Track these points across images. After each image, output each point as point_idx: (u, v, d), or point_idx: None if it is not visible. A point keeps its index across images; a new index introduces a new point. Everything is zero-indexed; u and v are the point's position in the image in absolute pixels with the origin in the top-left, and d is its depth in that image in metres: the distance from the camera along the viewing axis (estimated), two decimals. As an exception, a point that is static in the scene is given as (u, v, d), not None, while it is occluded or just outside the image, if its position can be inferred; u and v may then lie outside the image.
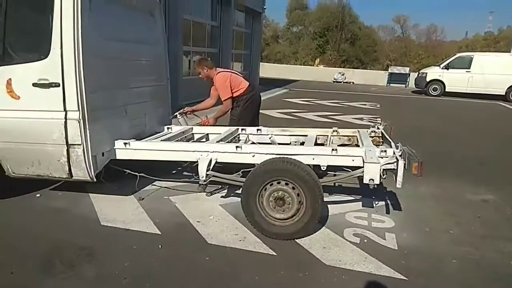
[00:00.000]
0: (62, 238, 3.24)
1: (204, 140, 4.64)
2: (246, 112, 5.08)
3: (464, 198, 4.59)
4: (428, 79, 18.43)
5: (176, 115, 5.09)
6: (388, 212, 4.05)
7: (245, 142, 4.50)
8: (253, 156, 3.60)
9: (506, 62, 17.53)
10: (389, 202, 4.27)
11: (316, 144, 4.32)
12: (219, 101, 5.18)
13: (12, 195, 3.96)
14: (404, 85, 23.26)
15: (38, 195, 4.10)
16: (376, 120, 8.51)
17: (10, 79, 3.45)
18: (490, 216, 4.11)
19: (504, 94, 17.30)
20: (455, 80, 17.84)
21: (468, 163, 6.25)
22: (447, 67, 18.17)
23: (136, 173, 4.03)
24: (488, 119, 12.40)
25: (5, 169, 3.70)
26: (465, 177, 5.38)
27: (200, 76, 5.15)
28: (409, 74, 23.47)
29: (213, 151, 3.67)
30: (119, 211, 3.79)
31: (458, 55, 18.98)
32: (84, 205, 3.91)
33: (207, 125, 5.09)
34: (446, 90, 18.03)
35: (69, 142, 3.47)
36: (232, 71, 5.36)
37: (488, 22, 59.09)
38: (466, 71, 17.63)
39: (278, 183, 3.28)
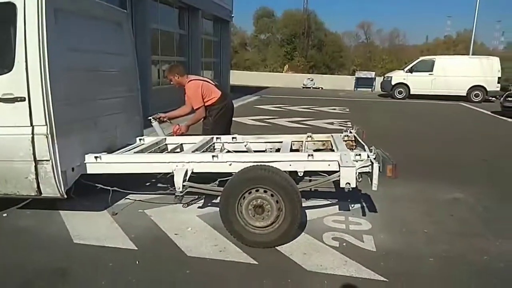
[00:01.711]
0: (34, 259, 3.08)
1: (178, 150, 4.56)
2: (218, 122, 5.04)
3: (436, 198, 4.73)
4: (393, 83, 19.03)
5: (150, 119, 4.97)
6: (364, 214, 4.11)
7: (220, 151, 4.46)
8: (230, 164, 3.57)
9: (466, 64, 18.39)
10: (364, 205, 4.33)
11: (291, 150, 4.33)
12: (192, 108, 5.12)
13: (-24, 216, 3.75)
14: (370, 89, 23.90)
15: (4, 214, 3.88)
16: (347, 124, 8.66)
17: (-28, 94, 3.28)
18: (463, 214, 4.24)
19: (465, 95, 18.10)
20: (419, 82, 18.52)
21: (437, 163, 6.45)
22: (411, 71, 18.84)
23: (108, 187, 3.90)
24: (452, 119, 12.90)
25: (-32, 189, 3.49)
26: (435, 177, 5.55)
27: (172, 83, 5.07)
28: (375, 78, 24.16)
29: (189, 161, 3.61)
30: (92, 228, 3.65)
31: (420, 58, 19.71)
32: (55, 223, 3.74)
33: (178, 133, 5.01)
34: (411, 92, 18.67)
35: (37, 158, 3.32)
36: (205, 79, 5.29)
37: (447, 26, 61.73)
38: (429, 74, 18.35)
39: (257, 191, 3.26)
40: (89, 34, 4.00)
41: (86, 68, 3.88)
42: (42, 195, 3.46)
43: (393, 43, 48.95)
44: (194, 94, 4.90)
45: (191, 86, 4.92)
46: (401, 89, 18.86)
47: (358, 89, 24.36)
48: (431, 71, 18.38)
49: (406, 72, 18.99)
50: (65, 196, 3.53)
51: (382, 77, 20.98)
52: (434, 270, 3.07)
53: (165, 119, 5.17)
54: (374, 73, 25.82)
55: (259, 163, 3.42)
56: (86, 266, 3.01)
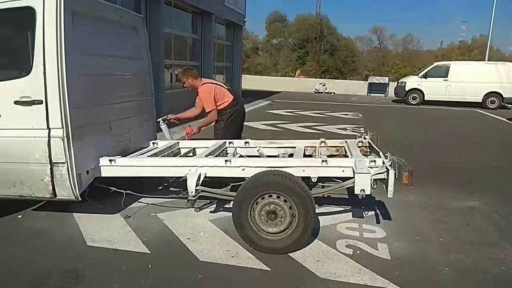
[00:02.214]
0: (47, 261, 3.11)
1: (191, 154, 4.57)
2: (230, 126, 5.04)
3: (451, 206, 4.64)
4: (407, 88, 18.84)
5: (159, 121, 4.98)
6: (378, 221, 4.05)
7: (233, 156, 4.45)
8: (243, 169, 3.55)
9: (482, 70, 18.12)
10: (378, 212, 4.28)
11: (304, 155, 4.31)
12: (204, 111, 5.12)
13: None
14: (384, 95, 23.71)
15: (19, 216, 3.93)
16: (360, 130, 8.60)
17: (-10, 97, 3.34)
18: (478, 222, 4.16)
19: (481, 101, 17.82)
20: (433, 88, 18.29)
21: (452, 170, 6.35)
22: (425, 76, 18.63)
23: (122, 190, 3.92)
24: (468, 126, 12.71)
25: (-15, 190, 3.55)
26: (450, 184, 5.46)
27: (185, 85, 5.08)
28: (389, 84, 23.97)
29: (202, 166, 3.61)
30: (105, 231, 3.67)
31: (435, 64, 19.50)
32: (68, 226, 3.78)
33: (190, 134, 5.02)
34: (425, 98, 18.45)
35: (53, 161, 3.36)
36: (218, 82, 5.29)
37: (462, 31, 61.07)
38: (444, 80, 18.12)
39: (270, 196, 3.24)
40: (106, 39, 4.04)
41: (102, 72, 3.92)
42: (57, 197, 3.49)
43: (407, 48, 48.55)
44: (207, 97, 4.91)
45: (204, 89, 4.93)
46: (415, 95, 18.66)
47: (371, 94, 24.19)
48: (446, 77, 18.15)
49: (420, 77, 18.79)
50: (80, 199, 3.55)
51: (396, 83, 20.80)
52: (449, 280, 3.00)
53: (175, 121, 5.18)
54: (387, 78, 25.65)
55: (272, 168, 3.41)
56: (99, 269, 3.03)
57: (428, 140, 9.29)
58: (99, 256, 3.24)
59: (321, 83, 26.55)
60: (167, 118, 5.06)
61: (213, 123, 5.09)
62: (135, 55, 4.61)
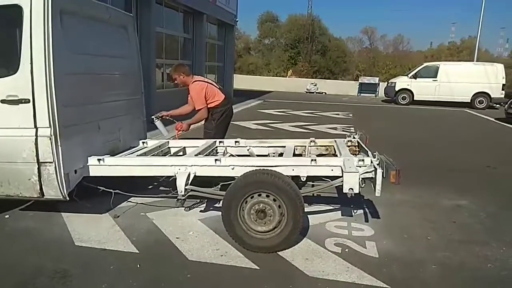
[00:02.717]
0: (35, 261, 3.07)
1: (181, 154, 4.56)
2: (220, 125, 5.05)
3: (439, 204, 4.70)
4: (397, 88, 19.03)
5: (153, 118, 4.94)
6: (367, 220, 4.09)
7: (223, 155, 4.45)
8: (233, 168, 3.56)
9: (471, 71, 18.37)
10: (367, 210, 4.31)
11: (294, 155, 4.32)
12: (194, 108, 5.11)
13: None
14: (374, 95, 23.91)
15: (6, 216, 3.89)
16: (350, 129, 8.66)
17: (-24, 96, 3.29)
18: (465, 220, 4.22)
19: (469, 101, 18.06)
20: (422, 88, 18.50)
21: (441, 170, 6.42)
22: (415, 77, 18.83)
23: (110, 190, 3.90)
24: (456, 125, 12.86)
25: (-29, 190, 3.50)
26: (438, 183, 5.52)
27: (176, 82, 5.05)
28: (379, 84, 24.19)
29: (192, 165, 3.61)
30: (94, 230, 3.64)
31: (425, 64, 19.72)
32: (56, 225, 3.74)
33: (180, 130, 5.00)
34: (415, 98, 18.65)
35: (40, 160, 3.33)
36: (209, 81, 5.26)
37: (451, 32, 61.61)
38: (433, 80, 18.34)
39: (259, 195, 3.25)
40: (95, 37, 4.02)
41: (91, 71, 3.89)
42: (45, 197, 3.46)
43: (397, 49, 48.93)
44: (198, 95, 4.90)
45: (195, 87, 4.92)
46: (404, 95, 18.85)
47: (362, 94, 24.39)
48: (435, 77, 18.36)
49: (410, 78, 18.99)
50: (68, 199, 3.52)
51: (386, 83, 20.97)
52: (436, 277, 3.04)
53: (167, 117, 5.14)
54: (378, 78, 25.88)
55: (261, 167, 3.41)
56: (87, 269, 3.00)
57: (418, 139, 9.38)
58: (87, 256, 3.21)
59: (312, 83, 26.67)
60: (160, 116, 5.02)
61: (203, 122, 5.07)
62: (125, 54, 4.58)
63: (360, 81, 25.57)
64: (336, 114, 14.08)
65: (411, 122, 12.90)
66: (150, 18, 10.39)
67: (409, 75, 19.18)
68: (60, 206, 4.01)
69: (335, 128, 10.46)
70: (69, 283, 2.80)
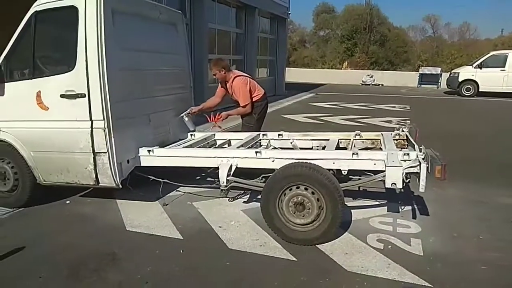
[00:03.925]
0: (88, 244, 3.35)
1: (226, 146, 4.68)
2: (260, 119, 5.07)
3: (496, 202, 4.40)
4: (460, 79, 17.82)
5: (182, 116, 4.92)
6: (414, 217, 3.94)
7: (266, 147, 4.51)
8: (273, 161, 3.60)
9: (544, 59, 16.71)
10: (415, 207, 4.15)
11: (338, 148, 4.26)
12: (224, 100, 5.12)
13: (45, 202, 4.14)
14: (435, 86, 22.63)
15: (67, 201, 4.26)
16: (405, 123, 8.30)
17: (39, 91, 3.64)
18: (523, 220, 3.92)
19: (542, 93, 16.48)
20: (489, 79, 17.14)
21: (502, 166, 5.96)
22: (480, 66, 17.50)
23: (160, 179, 4.12)
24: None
25: (36, 177, 3.88)
26: (497, 181, 5.14)
27: (215, 76, 5.02)
28: (441, 75, 22.78)
29: (233, 157, 3.70)
30: (144, 217, 3.88)
31: (492, 53, 18.24)
32: (111, 211, 4.03)
33: (218, 119, 4.94)
34: (480, 90, 17.35)
35: (96, 150, 3.60)
36: (248, 75, 5.22)
37: (526, 17, 56.25)
38: (501, 70, 16.92)
39: (298, 188, 3.26)
40: (145, 35, 4.23)
41: (141, 67, 4.11)
42: (100, 184, 3.75)
43: (463, 37, 45.75)
44: (244, 90, 4.87)
45: (239, 82, 4.90)
46: (469, 86, 17.61)
47: (422, 85, 23.16)
48: (503, 66, 16.92)
49: (475, 67, 17.67)
50: (121, 186, 3.79)
51: (449, 73, 19.74)
52: (484, 278, 2.87)
53: (198, 112, 5.09)
54: (440, 69, 24.35)
55: (301, 160, 3.42)
56: (135, 252, 3.22)
57: (480, 134, 8.76)
58: (136, 240, 3.44)
59: (368, 75, 25.79)
60: (190, 113, 4.97)
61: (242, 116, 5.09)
62: (174, 50, 4.78)
63: (420, 72, 24.26)
64: (392, 106, 13.53)
65: (474, 115, 12.06)
66: (203, 15, 10.65)
67: (474, 65, 17.85)
68: (115, 194, 4.31)
69: (389, 121, 10.06)
70: (118, 264, 3.02)
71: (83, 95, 3.51)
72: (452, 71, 19.39)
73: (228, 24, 13.22)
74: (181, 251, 3.22)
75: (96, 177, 3.70)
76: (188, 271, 2.95)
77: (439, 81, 22.57)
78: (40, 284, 2.75)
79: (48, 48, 3.88)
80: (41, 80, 3.67)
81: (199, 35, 10.30)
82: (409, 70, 31.97)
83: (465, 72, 17.99)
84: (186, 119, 4.89)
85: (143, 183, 4.16)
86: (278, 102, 13.69)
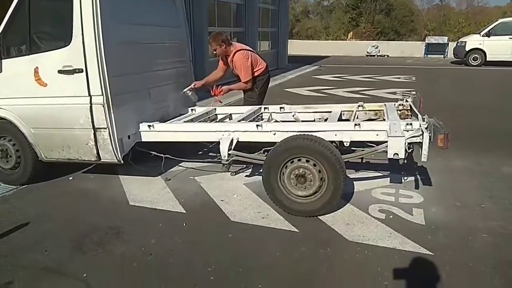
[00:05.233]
0: (93, 218, 3.39)
1: (227, 120, 4.65)
2: (262, 94, 4.98)
3: (500, 172, 4.37)
4: (467, 48, 17.38)
5: (185, 91, 4.80)
6: (417, 187, 3.93)
7: (268, 121, 4.47)
8: (274, 134, 3.57)
9: (554, 26, 16.23)
10: (419, 177, 4.14)
11: (341, 120, 4.22)
12: (227, 73, 5.00)
13: (48, 178, 4.18)
14: (442, 56, 22.18)
15: (70, 178, 4.29)
16: (410, 93, 8.17)
17: (37, 67, 3.60)
18: (527, 189, 3.89)
19: (552, 61, 16.09)
20: (497, 48, 16.69)
21: (508, 136, 5.89)
22: (488, 35, 17.03)
23: (161, 155, 4.12)
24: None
25: (38, 154, 3.90)
26: (502, 150, 5.09)
27: (215, 52, 4.81)
28: (448, 44, 22.26)
29: (234, 131, 3.68)
30: (146, 192, 3.91)
31: (500, 20, 17.70)
32: (114, 187, 4.06)
33: (219, 93, 4.77)
34: (488, 59, 16.94)
35: (96, 126, 3.59)
36: (248, 48, 5.03)
37: (537, -18, 54.27)
38: (510, 38, 16.47)
39: (299, 160, 3.24)
40: (141, 7, 4.14)
41: (139, 41, 4.04)
42: (102, 160, 3.76)
43: (471, 5, 44.45)
44: (245, 65, 4.68)
45: (240, 57, 4.69)
46: (476, 55, 17.19)
47: (429, 55, 22.71)
48: (512, 34, 16.49)
49: (482, 36, 17.21)
50: (122, 162, 3.80)
51: (456, 43, 19.28)
52: (486, 246, 2.88)
53: (200, 86, 4.97)
54: (446, 38, 23.79)
55: (302, 133, 3.39)
56: (138, 226, 3.26)
57: (488, 104, 8.60)
58: (139, 214, 3.47)
59: (373, 46, 25.27)
60: (193, 87, 4.86)
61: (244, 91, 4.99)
62: (172, 23, 4.67)
63: (426, 41, 23.71)
64: (397, 78, 13.32)
65: (481, 85, 11.86)
66: (202, -15, 10.38)
67: (482, 33, 17.38)
68: (118, 169, 4.33)
69: (394, 93, 9.93)
70: (121, 238, 3.06)
71: (80, 70, 3.46)
72: (459, 40, 18.91)
73: (228, -5, 12.90)
74: (184, 224, 3.26)
75: (98, 153, 3.71)
76: (192, 244, 2.98)
77: (446, 50, 22.09)
78: (46, 257, 2.80)
79: (44, 23, 3.81)
80: (38, 56, 3.62)
81: (198, 7, 10.06)
82: (416, 40, 31.26)
83: (472, 41, 17.53)
84: (190, 93, 4.83)
85: (145, 158, 4.17)
86: (280, 75, 13.52)
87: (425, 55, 22.94)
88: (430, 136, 3.08)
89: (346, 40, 32.61)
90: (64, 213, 3.51)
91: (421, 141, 3.18)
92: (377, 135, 3.43)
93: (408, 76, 13.62)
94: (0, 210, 3.57)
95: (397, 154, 3.18)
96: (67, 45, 3.47)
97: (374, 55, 24.43)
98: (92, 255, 2.83)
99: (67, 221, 3.36)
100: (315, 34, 39.00)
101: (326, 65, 18.07)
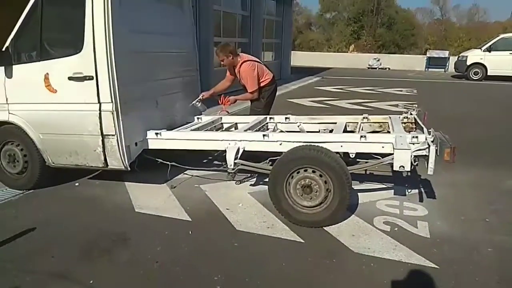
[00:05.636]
0: (99, 225, 3.40)
1: (233, 129, 4.68)
2: (268, 104, 5.02)
3: (504, 186, 4.39)
4: (468, 63, 17.52)
5: (194, 103, 4.86)
6: (421, 200, 3.95)
7: (273, 131, 4.50)
8: (280, 144, 3.60)
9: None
10: (422, 190, 4.16)
11: (346, 131, 4.25)
12: (235, 82, 5.07)
13: (54, 184, 4.19)
14: (443, 70, 22.34)
15: (76, 184, 4.31)
16: (412, 106, 8.23)
17: (47, 73, 3.64)
18: (531, 204, 3.91)
19: (553, 76, 16.20)
20: (498, 63, 16.84)
21: (508, 150, 5.93)
22: (489, 50, 17.19)
23: (167, 162, 4.14)
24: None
25: (46, 160, 3.92)
26: (506, 164, 5.12)
27: (222, 63, 4.89)
28: (449, 58, 22.49)
29: (241, 140, 3.71)
30: (152, 199, 3.92)
31: (501, 36, 17.89)
32: (120, 193, 4.07)
33: (226, 103, 4.90)
34: (488, 73, 17.09)
35: (104, 133, 3.62)
36: (255, 58, 5.11)
37: (537, -1, 54.90)
38: (510, 53, 16.63)
39: (305, 170, 3.27)
40: (152, 16, 4.19)
41: (149, 49, 4.08)
42: (109, 167, 3.78)
43: (472, 20, 44.89)
44: (252, 76, 4.76)
45: (246, 68, 4.78)
46: (477, 70, 17.33)
47: (430, 69, 22.88)
48: (513, 50, 16.62)
49: (483, 51, 17.37)
50: (129, 169, 3.82)
51: (457, 57, 19.43)
52: (491, 260, 2.89)
53: (209, 97, 5.04)
54: (448, 52, 24.00)
55: (309, 143, 3.42)
56: (144, 233, 3.27)
57: (488, 118, 8.67)
58: (145, 221, 3.48)
59: (375, 58, 25.45)
60: (201, 98, 4.92)
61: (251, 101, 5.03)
62: (181, 32, 4.73)
63: (428, 55, 23.92)
64: (399, 90, 13.40)
65: (483, 100, 11.92)
66: (208, -4, 10.51)
67: (483, 48, 17.54)
68: (124, 176, 4.34)
69: (396, 105, 10.00)
70: (127, 245, 3.07)
71: (91, 78, 3.51)
72: (460, 55, 19.07)
73: (234, 6, 13.05)
74: (190, 232, 3.26)
75: (105, 159, 3.73)
76: (197, 252, 2.99)
77: (447, 64, 22.29)
78: (52, 263, 2.81)
79: (55, 30, 3.85)
80: (49, 62, 3.66)
81: (205, 17, 10.18)
82: (417, 54, 31.50)
83: (473, 56, 17.68)
84: (198, 104, 4.87)
85: (151, 166, 4.19)
86: (283, 86, 13.59)
87: (426, 69, 23.11)
88: (436, 150, 3.11)
89: (347, 52, 32.83)
90: (70, 219, 3.52)
91: (427, 154, 3.21)
92: (383, 147, 3.46)
93: (409, 89, 13.71)
94: (6, 215, 3.58)
95: (403, 167, 3.21)
96: (78, 52, 3.52)
97: (375, 68, 24.59)
98: (98, 262, 2.83)
99: (73, 227, 3.36)
100: (317, 46, 39.30)
101: (328, 77, 18.18)
